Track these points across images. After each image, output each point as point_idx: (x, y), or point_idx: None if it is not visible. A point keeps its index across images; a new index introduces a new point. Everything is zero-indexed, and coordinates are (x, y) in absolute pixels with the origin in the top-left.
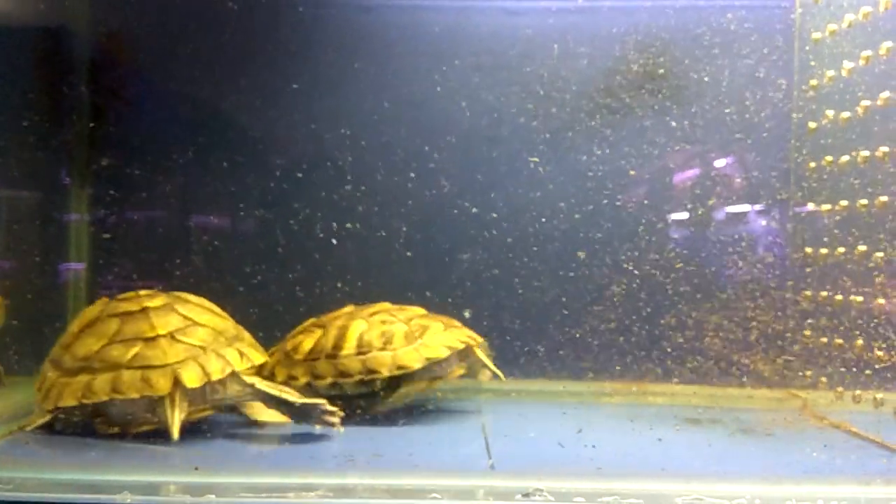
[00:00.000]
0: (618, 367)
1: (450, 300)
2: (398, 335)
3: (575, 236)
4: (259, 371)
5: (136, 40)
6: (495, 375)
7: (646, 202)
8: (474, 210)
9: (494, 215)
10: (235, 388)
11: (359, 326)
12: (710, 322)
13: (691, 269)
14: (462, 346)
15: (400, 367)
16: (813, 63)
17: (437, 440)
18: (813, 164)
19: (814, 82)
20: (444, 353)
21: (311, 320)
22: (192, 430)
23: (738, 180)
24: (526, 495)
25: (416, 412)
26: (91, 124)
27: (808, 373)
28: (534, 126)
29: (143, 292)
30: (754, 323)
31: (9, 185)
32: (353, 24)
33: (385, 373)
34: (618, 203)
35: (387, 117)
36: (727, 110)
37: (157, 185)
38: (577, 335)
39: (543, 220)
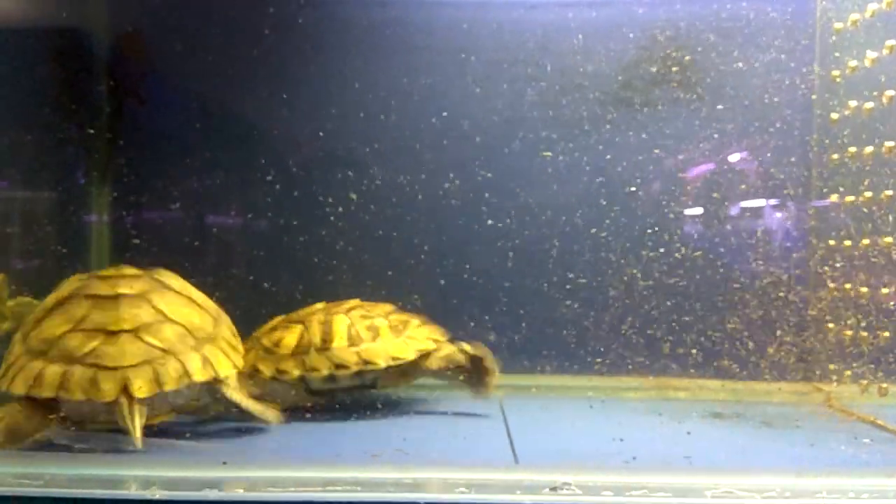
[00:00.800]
0: (639, 362)
1: (467, 295)
2: (384, 328)
3: (595, 231)
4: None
5: (154, 39)
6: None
7: (666, 197)
8: (491, 205)
9: (512, 211)
10: (204, 397)
11: (342, 321)
12: (732, 316)
13: (712, 264)
14: (445, 338)
15: (395, 358)
16: (836, 53)
17: (460, 435)
18: (836, 156)
19: (836, 73)
20: (432, 346)
21: (281, 318)
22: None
23: (760, 173)
24: (554, 489)
25: (435, 407)
26: (110, 124)
27: (832, 366)
28: (552, 121)
29: (125, 270)
30: (777, 317)
31: (28, 184)
32: (369, 20)
33: (382, 364)
34: (637, 198)
35: (404, 114)
36: (748, 102)
37: (177, 185)
38: (598, 330)
39: (563, 215)
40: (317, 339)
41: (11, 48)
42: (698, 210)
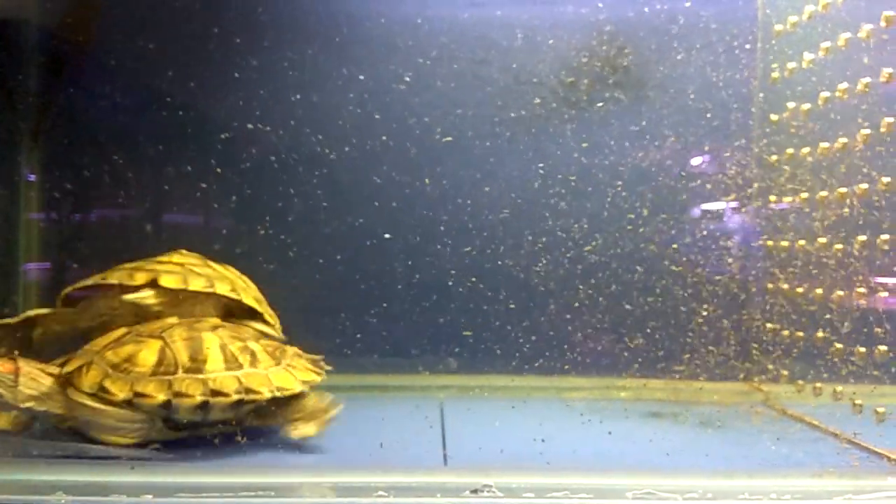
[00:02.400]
0: (582, 362)
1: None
2: (261, 353)
3: (536, 232)
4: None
5: (94, 29)
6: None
7: (609, 197)
8: (435, 205)
9: (448, 208)
10: None
11: (213, 339)
12: (675, 315)
13: (655, 264)
14: (321, 376)
15: (280, 389)
16: (774, 55)
17: (392, 438)
18: (775, 157)
19: (776, 74)
20: (317, 378)
21: (123, 330)
22: None
23: (701, 173)
24: (475, 491)
25: (368, 409)
26: (44, 117)
27: (771, 366)
28: (495, 121)
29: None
30: (719, 317)
31: None
32: (310, 14)
33: (266, 393)
34: (583, 197)
35: (345, 114)
36: (690, 103)
37: (112, 181)
38: (541, 330)
39: (501, 215)
40: (184, 358)
41: None
42: (642, 210)
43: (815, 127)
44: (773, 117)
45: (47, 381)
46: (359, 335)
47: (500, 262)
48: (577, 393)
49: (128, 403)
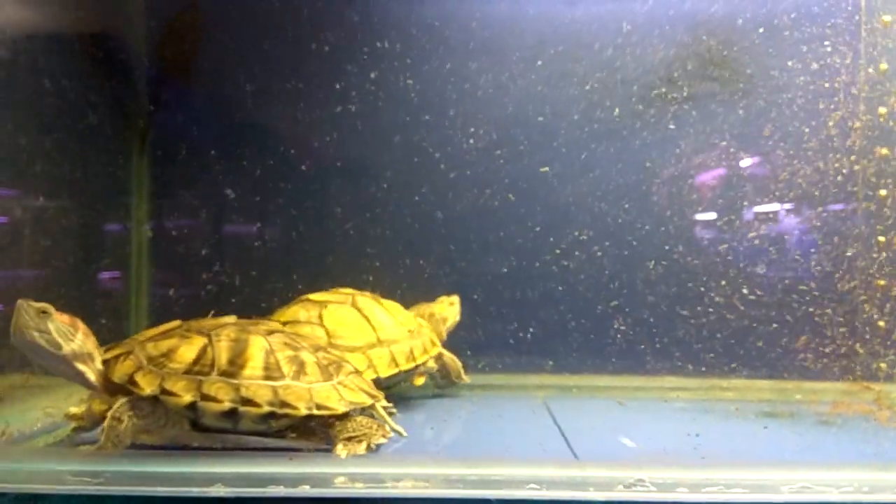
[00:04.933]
0: (683, 363)
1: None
2: (311, 365)
3: (630, 229)
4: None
5: (197, 45)
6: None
7: (709, 195)
8: (526, 205)
9: (539, 208)
10: None
11: (260, 343)
12: (781, 316)
13: (757, 263)
14: (376, 399)
15: (319, 407)
16: (880, 46)
17: (514, 435)
18: (885, 150)
19: (884, 66)
20: (367, 400)
21: (177, 322)
22: None
23: (803, 169)
24: (628, 486)
25: (476, 408)
26: (148, 130)
27: (883, 365)
28: (592, 117)
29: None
30: (826, 314)
31: (65, 192)
32: (399, 19)
33: (302, 409)
34: (684, 197)
35: (440, 114)
36: (789, 96)
37: (213, 193)
38: (644, 331)
39: (590, 216)
40: (222, 360)
41: (45, 56)
42: (746, 209)
43: None
44: (882, 110)
45: (98, 358)
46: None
47: (603, 265)
48: (682, 393)
49: (154, 400)
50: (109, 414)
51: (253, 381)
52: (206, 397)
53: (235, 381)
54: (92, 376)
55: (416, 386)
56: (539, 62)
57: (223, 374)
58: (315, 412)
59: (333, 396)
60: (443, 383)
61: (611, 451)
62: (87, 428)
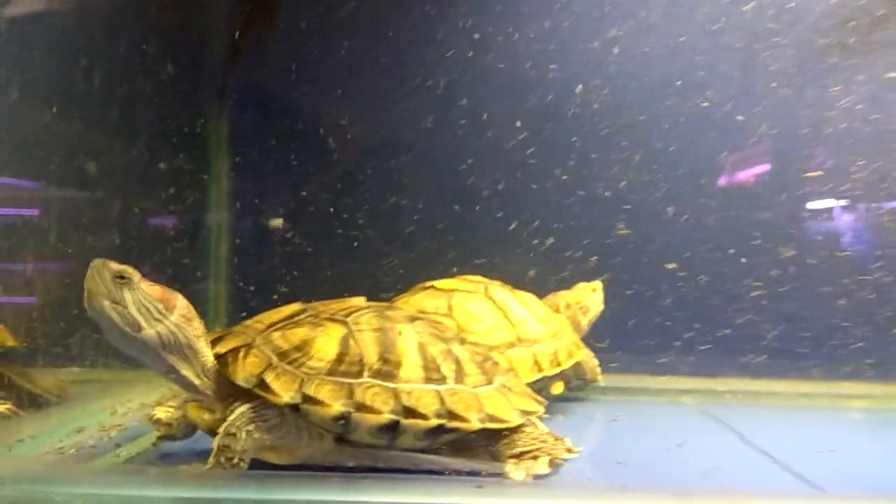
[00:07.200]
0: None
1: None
2: (467, 362)
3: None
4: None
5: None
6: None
7: None
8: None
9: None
10: None
11: (410, 334)
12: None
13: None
14: (542, 406)
15: (493, 419)
16: None
17: (702, 453)
18: None
19: None
20: (538, 410)
21: (297, 305)
22: None
23: None
24: None
25: (627, 416)
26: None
27: None
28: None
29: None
30: None
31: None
32: None
33: (475, 423)
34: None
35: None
36: None
37: (294, 193)
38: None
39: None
40: (371, 356)
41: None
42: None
43: None
44: None
45: (206, 351)
46: None
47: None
48: (860, 402)
49: (293, 409)
50: (223, 428)
51: (415, 386)
52: (361, 407)
53: (394, 385)
54: (190, 374)
55: (555, 394)
56: None
57: (376, 374)
58: (488, 425)
59: (504, 404)
60: (577, 384)
61: (851, 477)
62: (178, 437)
